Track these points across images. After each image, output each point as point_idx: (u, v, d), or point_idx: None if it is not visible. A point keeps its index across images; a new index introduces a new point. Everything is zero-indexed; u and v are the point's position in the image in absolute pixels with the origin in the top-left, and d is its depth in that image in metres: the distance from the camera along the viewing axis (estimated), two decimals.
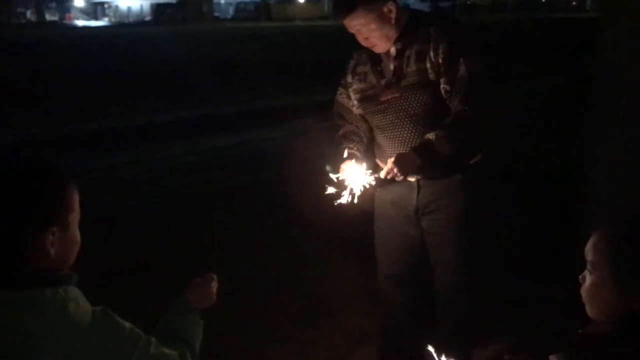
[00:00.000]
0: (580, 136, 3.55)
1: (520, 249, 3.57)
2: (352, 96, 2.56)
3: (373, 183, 2.35)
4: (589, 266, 1.27)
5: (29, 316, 1.08)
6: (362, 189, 2.33)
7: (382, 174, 2.32)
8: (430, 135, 2.31)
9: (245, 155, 6.98)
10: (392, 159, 2.30)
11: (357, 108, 2.58)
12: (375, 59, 2.46)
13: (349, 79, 2.56)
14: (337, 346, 3.22)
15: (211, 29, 34.90)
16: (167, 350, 1.26)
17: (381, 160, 2.52)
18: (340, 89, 2.62)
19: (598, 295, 1.25)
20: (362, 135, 2.60)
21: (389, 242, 2.67)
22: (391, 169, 2.29)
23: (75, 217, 1.20)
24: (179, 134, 7.85)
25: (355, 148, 2.50)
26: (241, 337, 3.27)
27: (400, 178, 2.32)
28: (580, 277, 1.29)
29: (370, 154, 2.59)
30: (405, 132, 2.43)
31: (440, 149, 2.30)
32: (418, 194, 2.50)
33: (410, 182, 2.49)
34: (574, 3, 56.98)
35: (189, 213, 5.00)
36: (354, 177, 2.34)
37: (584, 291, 1.28)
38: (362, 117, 2.60)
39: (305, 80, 11.51)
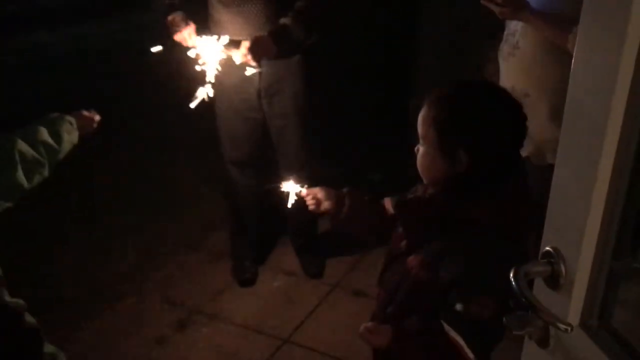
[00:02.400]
0: (408, 26, 3.77)
1: (355, 129, 3.81)
2: None
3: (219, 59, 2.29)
4: (420, 138, 1.34)
5: None
6: (214, 67, 2.26)
7: (237, 59, 2.29)
8: (286, 20, 2.32)
9: (72, 53, 6.40)
10: (248, 44, 2.28)
11: None
12: None
13: None
14: (188, 233, 3.31)
15: None
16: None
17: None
18: None
19: (428, 164, 1.32)
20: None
21: (232, 128, 2.70)
22: (246, 54, 2.28)
23: None
24: None
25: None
26: (86, 233, 3.22)
27: (254, 63, 2.33)
28: (415, 149, 1.36)
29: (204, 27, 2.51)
30: (253, 9, 2.38)
31: (295, 34, 2.33)
32: (260, 76, 2.53)
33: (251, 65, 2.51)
34: None
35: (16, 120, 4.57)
36: (206, 49, 2.27)
37: (418, 162, 1.35)
38: None
39: None
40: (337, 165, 3.26)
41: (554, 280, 0.85)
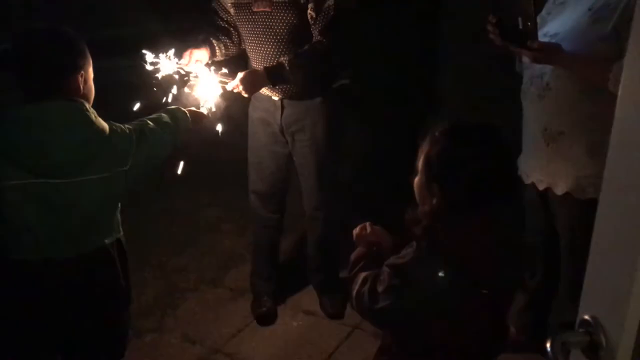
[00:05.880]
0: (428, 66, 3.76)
1: (374, 170, 3.77)
2: (227, 0, 2.53)
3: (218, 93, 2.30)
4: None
5: (77, 115, 1.68)
6: (215, 99, 2.25)
7: (229, 87, 2.33)
8: (284, 59, 2.38)
9: (103, 86, 6.51)
10: (241, 75, 2.33)
11: (231, 14, 2.56)
12: None
13: None
14: (209, 269, 3.27)
15: None
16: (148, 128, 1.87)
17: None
18: None
19: (418, 193, 1.45)
20: (231, 33, 2.58)
21: (259, 159, 2.73)
22: (237, 86, 2.32)
23: (91, 70, 1.76)
24: None
25: (213, 40, 2.52)
26: None
27: (245, 95, 2.37)
28: (412, 177, 1.47)
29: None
30: (268, 48, 2.46)
31: (291, 73, 2.37)
32: (282, 113, 2.57)
33: (274, 100, 2.54)
34: None
35: None
36: (203, 78, 2.29)
37: (414, 188, 1.47)
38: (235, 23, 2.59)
39: (158, 6, 10.68)
40: (359, 206, 3.20)
41: (592, 352, 0.79)
